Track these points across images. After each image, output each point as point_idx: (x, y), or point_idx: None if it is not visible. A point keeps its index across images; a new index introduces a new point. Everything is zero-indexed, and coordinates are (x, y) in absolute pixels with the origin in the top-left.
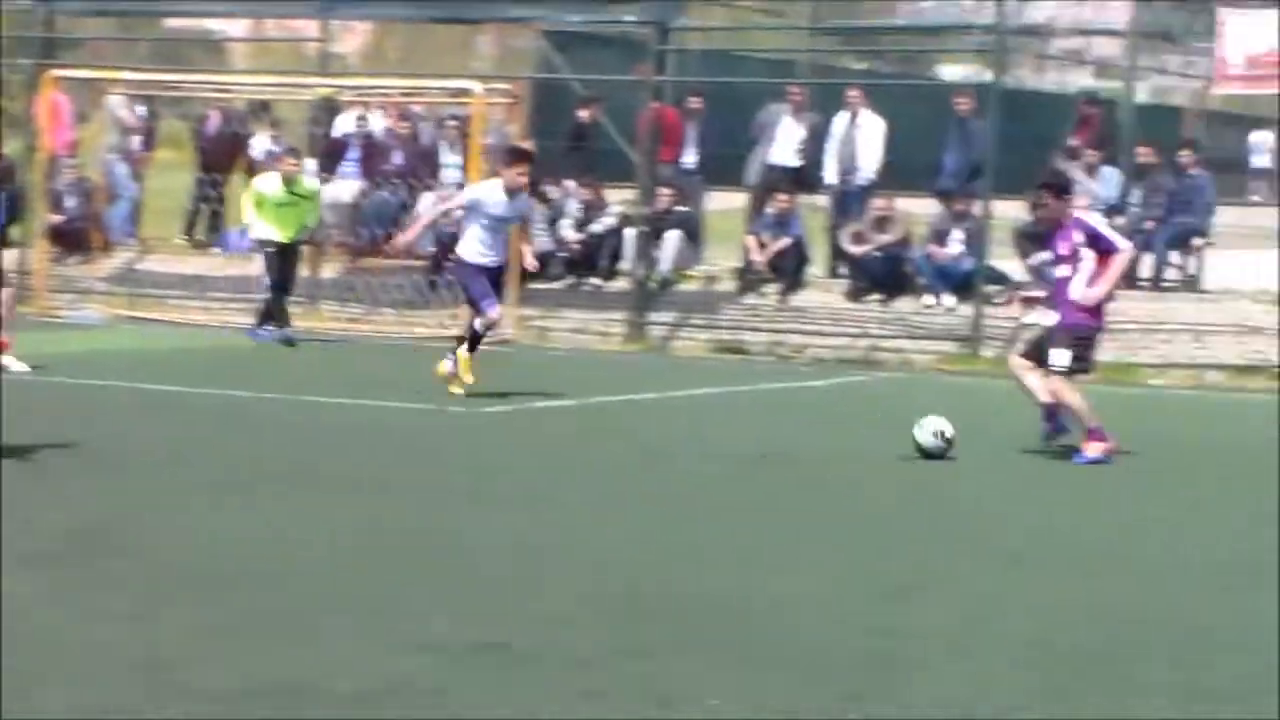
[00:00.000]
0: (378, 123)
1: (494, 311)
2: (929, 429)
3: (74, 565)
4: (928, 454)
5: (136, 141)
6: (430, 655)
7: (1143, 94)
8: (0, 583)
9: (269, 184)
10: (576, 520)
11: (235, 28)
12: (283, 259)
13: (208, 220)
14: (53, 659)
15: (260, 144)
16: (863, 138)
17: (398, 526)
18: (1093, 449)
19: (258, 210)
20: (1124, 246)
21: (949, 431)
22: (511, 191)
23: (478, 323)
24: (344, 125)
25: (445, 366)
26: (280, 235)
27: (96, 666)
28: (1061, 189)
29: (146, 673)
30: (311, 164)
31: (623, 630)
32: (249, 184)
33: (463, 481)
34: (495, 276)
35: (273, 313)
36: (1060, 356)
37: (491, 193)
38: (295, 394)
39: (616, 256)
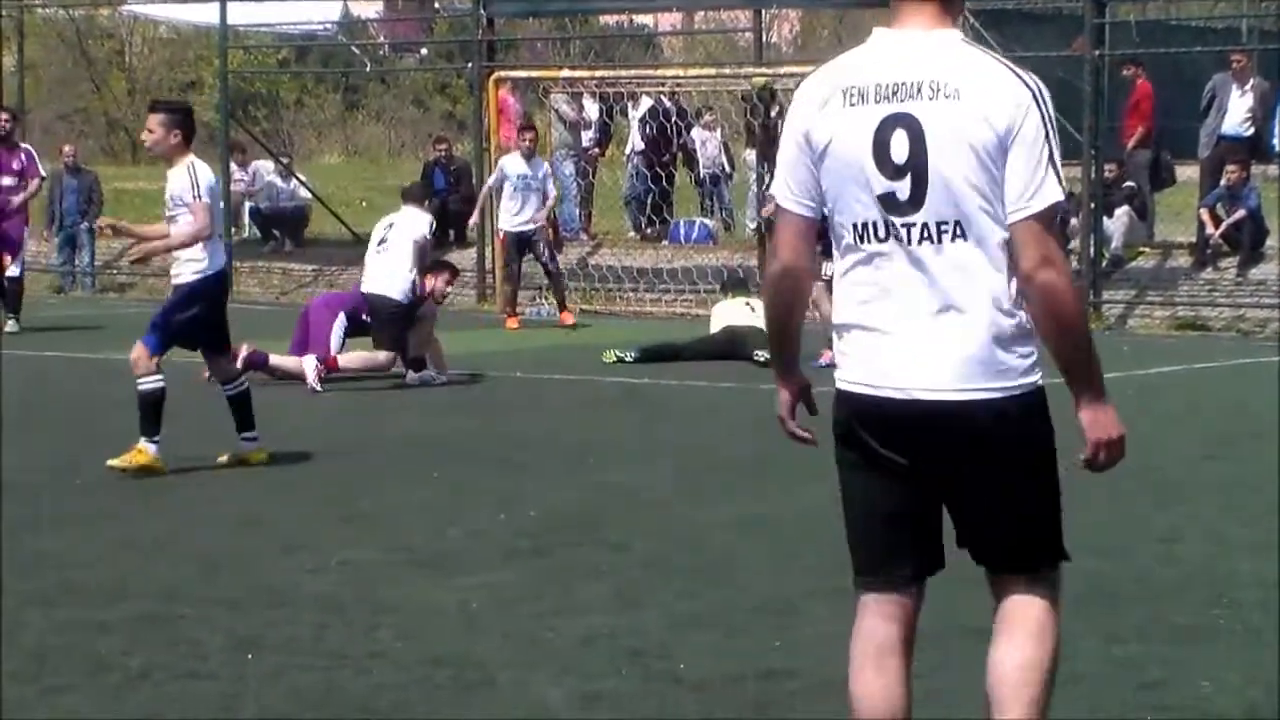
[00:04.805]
0: None
1: None
2: None
3: (554, 556)
4: None
5: (587, 139)
6: None
7: None
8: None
9: None
10: None
11: (667, 21)
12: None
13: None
14: (540, 650)
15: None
16: None
17: None
18: None
19: None
20: None
21: None
22: None
23: None
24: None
25: None
26: None
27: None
28: None
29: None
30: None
31: (1100, 615)
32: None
33: None
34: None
35: None
36: None
37: None
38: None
39: (1065, 235)
